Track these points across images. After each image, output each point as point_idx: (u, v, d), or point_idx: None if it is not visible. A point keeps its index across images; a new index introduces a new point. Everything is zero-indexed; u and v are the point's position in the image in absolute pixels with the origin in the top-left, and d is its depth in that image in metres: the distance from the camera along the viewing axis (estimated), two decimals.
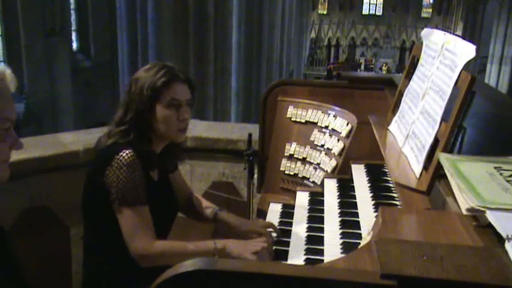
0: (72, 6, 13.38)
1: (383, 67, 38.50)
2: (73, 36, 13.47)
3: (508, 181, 1.29)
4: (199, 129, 3.86)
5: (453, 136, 1.55)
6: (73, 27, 13.50)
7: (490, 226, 1.10)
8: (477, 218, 1.17)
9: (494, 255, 0.99)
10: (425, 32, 2.15)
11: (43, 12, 10.88)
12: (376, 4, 42.77)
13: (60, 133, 3.63)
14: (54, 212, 3.20)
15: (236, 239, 2.07)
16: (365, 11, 42.90)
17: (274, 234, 2.20)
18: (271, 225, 2.25)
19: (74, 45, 13.64)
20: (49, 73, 11.03)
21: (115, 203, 1.94)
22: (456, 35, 1.84)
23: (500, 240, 1.03)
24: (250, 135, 3.00)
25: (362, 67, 40.09)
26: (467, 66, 1.59)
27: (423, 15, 41.91)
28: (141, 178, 1.96)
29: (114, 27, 10.67)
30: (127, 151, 1.94)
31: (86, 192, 2.08)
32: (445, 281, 0.92)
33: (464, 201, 1.21)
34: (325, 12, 42.69)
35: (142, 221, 1.96)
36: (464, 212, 1.19)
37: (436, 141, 1.63)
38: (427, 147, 1.66)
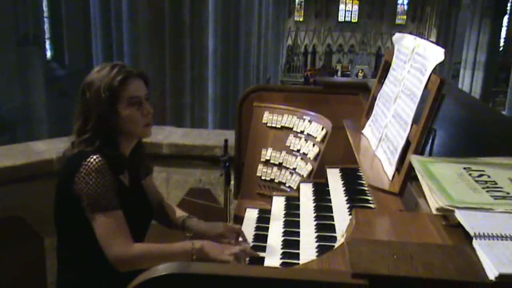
0: (46, 14, 13.21)
1: (359, 74, 38.94)
2: (47, 44, 13.30)
3: (476, 181, 1.32)
4: (175, 136, 3.84)
5: (424, 138, 1.58)
6: (47, 35, 13.33)
7: (459, 225, 1.12)
8: (447, 217, 1.19)
9: (462, 253, 1.01)
10: (396, 36, 2.19)
11: (16, 20, 10.72)
12: (351, 11, 43.28)
13: (33, 141, 3.57)
14: (28, 222, 3.14)
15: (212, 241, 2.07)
16: (341, 18, 43.35)
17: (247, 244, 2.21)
18: (240, 230, 2.27)
19: (48, 54, 13.46)
20: (22, 81, 10.85)
21: (87, 210, 1.91)
22: (430, 41, 1.87)
23: (468, 238, 1.05)
24: (226, 141, 3.00)
25: (339, 73, 40.45)
26: (440, 72, 1.62)
27: (398, 22, 42.57)
28: (111, 182, 1.93)
29: (88, 35, 10.57)
30: (94, 157, 1.90)
31: (57, 202, 2.04)
32: (415, 279, 0.93)
33: (434, 201, 1.23)
34: (301, 19, 43.02)
35: (117, 226, 1.93)
36: (434, 212, 1.21)
37: (408, 144, 1.65)
38: (399, 150, 1.68)
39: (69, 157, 2.00)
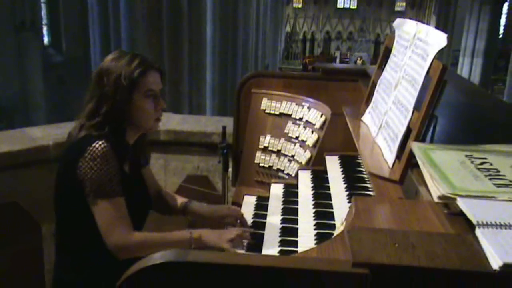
0: (43, 0, 13.10)
1: (358, 61, 38.73)
2: (44, 30, 13.20)
3: (478, 169, 1.30)
4: (173, 122, 3.81)
5: (425, 125, 1.55)
6: (44, 22, 13.23)
7: (461, 213, 1.10)
8: (448, 205, 1.17)
9: (465, 242, 0.99)
10: (397, 22, 2.15)
11: (12, 6, 10.63)
12: None
13: (29, 127, 3.54)
14: (24, 208, 3.12)
15: (212, 229, 2.07)
16: (339, 4, 43.12)
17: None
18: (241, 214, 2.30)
19: (45, 40, 13.36)
20: (20, 68, 10.79)
21: (89, 195, 1.90)
22: None
23: (471, 227, 1.03)
24: (224, 128, 2.97)
25: (337, 60, 40.31)
26: (439, 59, 1.59)
27: (397, 9, 42.37)
28: (115, 169, 1.92)
29: (86, 21, 10.49)
30: (100, 142, 1.89)
31: (58, 187, 2.02)
32: (417, 268, 0.92)
33: (436, 189, 1.20)
34: (300, 6, 42.79)
35: (118, 213, 1.93)
36: (436, 200, 1.19)
37: (408, 131, 1.63)
38: (400, 137, 1.66)
39: (74, 141, 1.99)
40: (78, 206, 1.94)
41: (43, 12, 13.15)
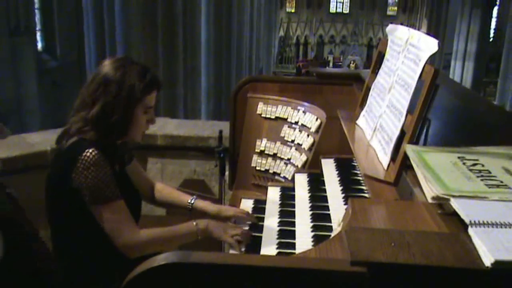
0: (37, 6, 13.08)
1: (351, 65, 38.96)
2: (38, 35, 13.18)
3: (470, 170, 1.34)
4: (169, 127, 3.84)
5: (418, 128, 1.59)
6: (38, 27, 13.21)
7: (454, 213, 1.14)
8: (442, 206, 1.21)
9: (459, 240, 1.03)
10: (390, 28, 2.20)
11: (7, 12, 10.61)
12: (343, 2, 43.22)
13: (27, 133, 3.55)
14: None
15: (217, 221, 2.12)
16: (332, 9, 43.29)
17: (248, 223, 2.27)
18: (247, 212, 2.33)
19: (39, 45, 13.34)
20: (14, 73, 10.76)
21: (90, 203, 1.91)
22: (421, 32, 1.89)
23: (464, 226, 1.07)
24: (220, 132, 3.01)
25: (331, 64, 40.46)
26: (431, 63, 1.64)
27: (389, 13, 42.61)
28: (110, 173, 1.93)
29: (80, 26, 10.48)
30: (90, 150, 1.89)
31: (52, 197, 2.02)
32: (413, 266, 0.95)
33: (430, 190, 1.24)
34: (293, 10, 42.91)
35: (122, 215, 1.95)
36: (430, 201, 1.23)
37: (402, 133, 1.67)
38: (394, 139, 1.70)
39: (65, 147, 1.98)
40: (77, 214, 1.95)
41: (37, 17, 13.13)
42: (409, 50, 1.84)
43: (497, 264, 0.92)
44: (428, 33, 1.79)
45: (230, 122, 3.07)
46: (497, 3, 28.46)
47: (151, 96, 2.03)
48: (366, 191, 2.02)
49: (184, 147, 3.72)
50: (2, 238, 1.94)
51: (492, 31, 29.70)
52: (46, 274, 2.13)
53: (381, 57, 2.24)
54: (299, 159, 2.69)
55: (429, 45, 1.67)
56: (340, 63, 40.43)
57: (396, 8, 42.78)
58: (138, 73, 1.98)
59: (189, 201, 2.36)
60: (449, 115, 2.11)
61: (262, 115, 2.94)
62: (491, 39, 29.26)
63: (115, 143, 2.06)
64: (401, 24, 2.25)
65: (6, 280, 1.97)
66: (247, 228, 2.21)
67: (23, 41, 11.01)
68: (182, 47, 8.55)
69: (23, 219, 2.19)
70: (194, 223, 2.04)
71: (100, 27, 8.32)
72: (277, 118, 2.89)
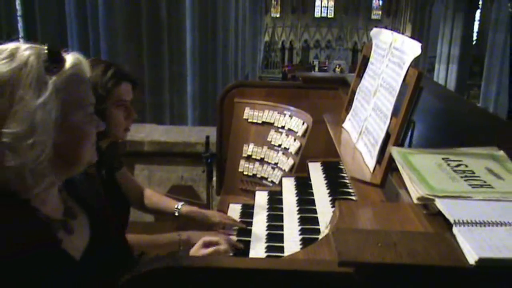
0: (19, 13, 12.98)
1: (337, 69, 39.15)
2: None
3: (455, 171, 1.36)
4: (156, 133, 3.84)
5: (403, 130, 1.62)
6: (21, 34, 13.10)
7: (439, 213, 1.16)
8: (427, 206, 1.23)
9: (443, 239, 1.05)
10: (374, 31, 2.22)
11: None
12: (327, 7, 43.52)
13: None
14: None
15: (200, 231, 2.14)
16: (317, 14, 43.56)
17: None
18: (233, 218, 2.37)
19: None
20: None
21: None
22: (406, 36, 1.92)
23: (449, 225, 1.09)
24: (207, 137, 3.01)
25: (316, 69, 40.66)
26: (416, 66, 1.66)
27: (373, 17, 43.00)
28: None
29: (64, 33, 10.42)
30: None
31: None
32: (399, 265, 0.97)
33: (415, 191, 1.26)
34: (278, 16, 43.10)
35: None
36: (415, 201, 1.25)
37: (388, 136, 1.69)
38: (380, 142, 1.72)
39: None
40: None
41: (20, 25, 13.02)
42: (393, 53, 1.87)
43: (481, 261, 0.95)
44: (412, 37, 1.81)
45: (217, 127, 3.08)
46: (480, 6, 28.85)
47: (119, 89, 2.02)
48: (353, 194, 2.04)
49: (171, 153, 3.72)
50: None
51: (475, 34, 30.09)
52: None
53: (365, 61, 2.26)
54: (286, 163, 2.70)
55: (413, 48, 1.69)
56: (325, 68, 40.64)
57: (380, 12, 43.20)
58: (101, 71, 1.99)
59: (176, 207, 2.36)
60: (434, 117, 2.14)
61: (249, 120, 2.95)
62: (474, 42, 29.65)
63: (99, 147, 2.05)
64: (386, 28, 2.27)
65: None
66: (234, 234, 2.22)
67: None
68: (167, 54, 8.53)
69: None
70: (177, 234, 2.07)
71: (84, 34, 8.28)
72: (263, 123, 2.90)
